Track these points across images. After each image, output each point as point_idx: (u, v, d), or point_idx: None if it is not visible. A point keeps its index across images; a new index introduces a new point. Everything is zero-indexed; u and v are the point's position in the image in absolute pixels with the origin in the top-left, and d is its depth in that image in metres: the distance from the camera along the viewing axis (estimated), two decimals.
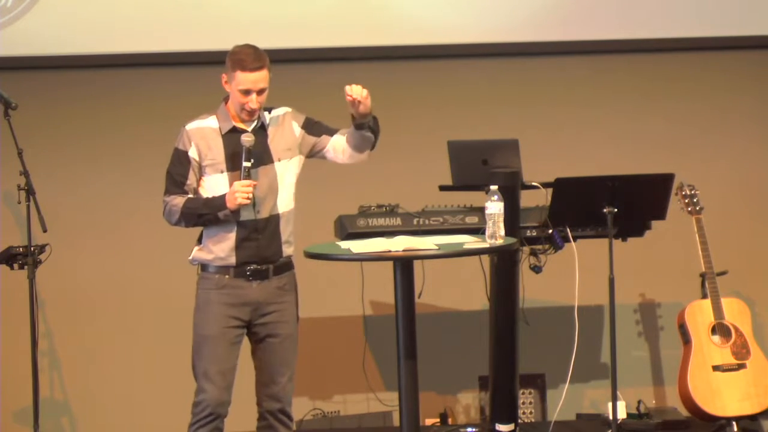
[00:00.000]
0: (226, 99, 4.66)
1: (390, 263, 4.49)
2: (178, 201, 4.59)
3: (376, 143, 4.72)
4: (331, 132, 4.76)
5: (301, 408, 6.20)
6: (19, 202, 5.48)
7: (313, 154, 4.76)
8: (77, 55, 6.26)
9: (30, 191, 5.44)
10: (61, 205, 6.12)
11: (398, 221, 5.62)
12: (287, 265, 4.68)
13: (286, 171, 4.66)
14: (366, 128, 4.62)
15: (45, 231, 5.38)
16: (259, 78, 4.56)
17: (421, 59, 6.41)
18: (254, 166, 4.54)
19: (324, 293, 6.19)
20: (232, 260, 4.58)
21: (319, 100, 6.32)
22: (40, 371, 5.56)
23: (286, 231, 4.65)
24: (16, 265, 5.51)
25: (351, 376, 6.23)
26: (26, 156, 5.45)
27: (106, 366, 6.31)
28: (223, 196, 4.54)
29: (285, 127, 4.70)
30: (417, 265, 4.55)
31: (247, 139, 4.55)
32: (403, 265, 4.48)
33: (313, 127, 4.76)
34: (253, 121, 4.64)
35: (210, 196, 4.60)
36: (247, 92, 4.56)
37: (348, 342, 6.28)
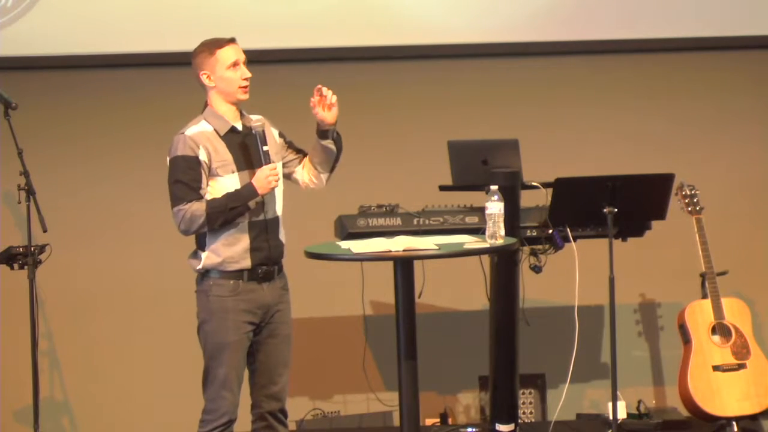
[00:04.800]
0: (207, 103, 4.63)
1: (390, 263, 4.48)
2: (199, 205, 4.46)
3: (336, 164, 4.72)
4: (304, 153, 4.75)
5: (301, 408, 6.20)
6: (19, 202, 5.48)
7: (283, 169, 4.73)
8: (77, 55, 6.26)
9: (30, 191, 5.44)
10: (61, 205, 6.11)
11: (398, 221, 5.61)
12: (282, 265, 4.68)
13: (280, 173, 4.64)
14: (330, 138, 4.61)
15: (45, 231, 5.37)
16: (238, 48, 4.57)
17: (421, 59, 6.41)
18: (257, 165, 4.52)
19: (324, 293, 6.19)
20: (247, 263, 4.53)
21: None
22: (40, 371, 5.56)
23: (282, 232, 4.65)
24: (16, 265, 5.51)
25: (351, 376, 6.22)
26: (26, 156, 5.44)
27: (106, 366, 6.31)
28: (249, 185, 4.48)
29: (269, 132, 4.66)
30: (417, 265, 4.54)
31: (257, 124, 4.54)
32: (403, 265, 4.47)
33: (291, 143, 4.76)
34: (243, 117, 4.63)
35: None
36: (236, 64, 4.54)
37: (348, 342, 6.28)
